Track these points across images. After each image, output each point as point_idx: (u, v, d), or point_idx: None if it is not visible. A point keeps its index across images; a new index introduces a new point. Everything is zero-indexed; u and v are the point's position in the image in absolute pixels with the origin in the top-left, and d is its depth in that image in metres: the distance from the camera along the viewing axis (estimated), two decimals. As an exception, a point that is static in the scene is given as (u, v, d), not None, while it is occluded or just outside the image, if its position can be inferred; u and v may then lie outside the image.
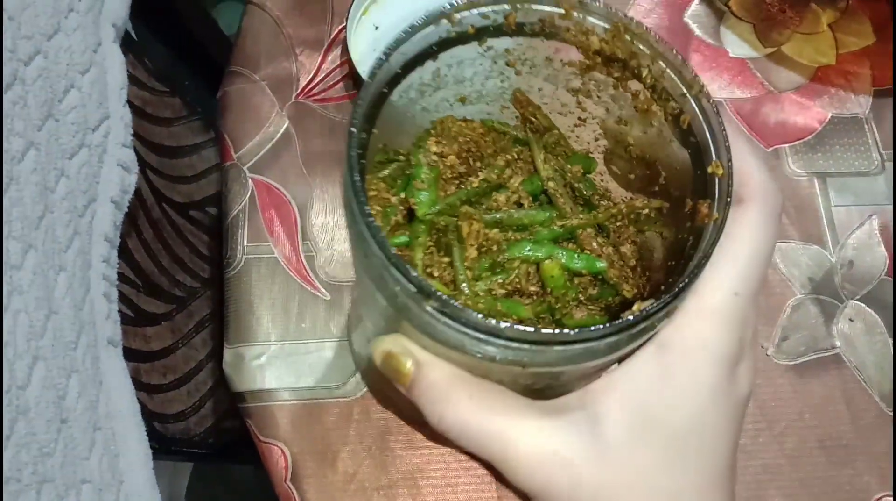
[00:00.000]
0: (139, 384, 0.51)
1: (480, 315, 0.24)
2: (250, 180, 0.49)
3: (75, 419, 0.39)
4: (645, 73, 0.29)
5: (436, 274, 0.32)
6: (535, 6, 0.30)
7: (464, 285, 0.31)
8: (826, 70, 0.53)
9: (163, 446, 0.53)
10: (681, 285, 0.25)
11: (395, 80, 0.30)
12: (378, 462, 0.43)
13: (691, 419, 0.27)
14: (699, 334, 0.26)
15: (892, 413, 0.45)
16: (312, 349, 0.45)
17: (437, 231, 0.32)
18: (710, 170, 0.27)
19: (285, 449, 0.43)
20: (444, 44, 0.31)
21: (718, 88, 0.52)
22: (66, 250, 0.42)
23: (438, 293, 0.24)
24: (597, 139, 0.35)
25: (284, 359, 0.45)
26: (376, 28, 0.51)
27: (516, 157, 0.34)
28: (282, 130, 0.50)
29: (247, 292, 0.46)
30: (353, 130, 0.27)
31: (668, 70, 0.28)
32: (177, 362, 0.56)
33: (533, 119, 0.35)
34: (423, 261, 0.32)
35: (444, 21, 0.30)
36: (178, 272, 0.58)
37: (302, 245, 0.47)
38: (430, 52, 0.31)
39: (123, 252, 0.51)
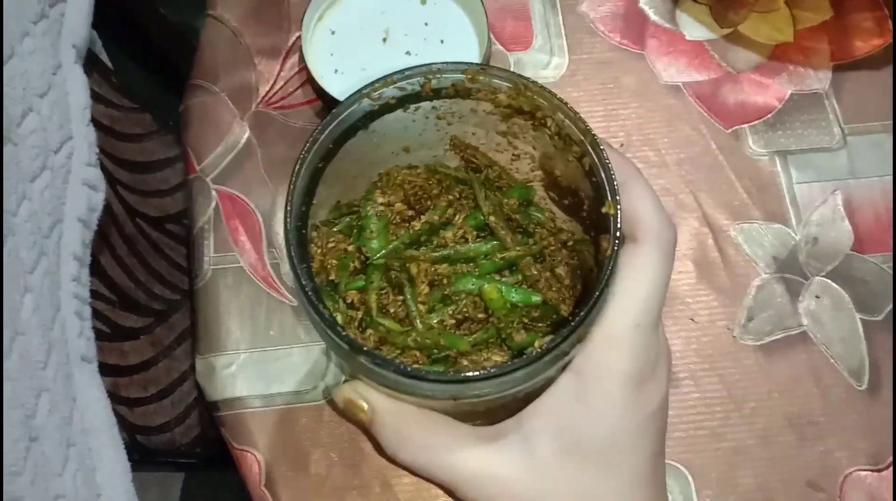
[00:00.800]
0: (118, 399, 0.52)
1: (403, 364, 0.29)
2: (214, 191, 0.49)
3: (46, 437, 0.39)
4: (549, 122, 0.33)
5: (392, 310, 0.36)
6: (445, 75, 0.34)
7: (416, 320, 0.35)
8: (784, 47, 0.53)
9: (146, 458, 0.53)
10: (575, 323, 0.29)
11: (329, 154, 0.34)
12: (350, 464, 0.44)
13: (606, 434, 0.31)
14: (606, 361, 0.31)
15: (861, 389, 0.45)
16: (281, 356, 0.46)
17: (392, 272, 0.36)
18: (603, 210, 0.31)
19: (258, 455, 0.44)
20: (371, 115, 0.35)
21: (676, 71, 0.52)
22: (32, 272, 0.43)
23: (366, 348, 0.29)
24: (533, 170, 0.38)
25: (254, 366, 0.46)
26: (332, 33, 0.52)
27: (458, 196, 0.38)
28: (243, 140, 0.50)
29: (214, 303, 0.47)
30: (289, 207, 0.31)
31: (566, 121, 0.32)
32: (158, 374, 0.56)
33: (473, 159, 0.38)
34: (378, 301, 0.36)
35: (366, 100, 0.34)
36: (155, 286, 0.59)
37: (267, 253, 0.48)
38: (358, 126, 0.34)
39: (96, 269, 0.52)
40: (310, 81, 0.51)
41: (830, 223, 0.48)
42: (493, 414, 0.35)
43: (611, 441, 0.31)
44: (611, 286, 0.31)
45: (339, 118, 0.33)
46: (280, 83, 0.52)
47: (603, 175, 0.31)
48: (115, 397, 0.51)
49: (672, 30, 0.53)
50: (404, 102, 0.35)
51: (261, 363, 0.46)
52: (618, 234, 0.30)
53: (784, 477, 0.43)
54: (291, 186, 0.31)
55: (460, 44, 0.51)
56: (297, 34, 0.53)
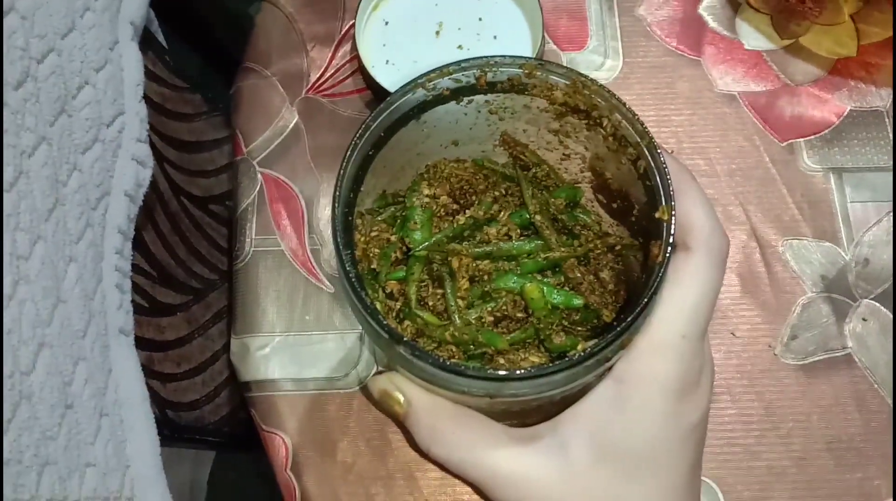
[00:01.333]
0: (152, 373, 0.52)
1: (441, 358, 0.29)
2: (259, 175, 0.50)
3: (81, 405, 0.40)
4: (605, 122, 0.33)
5: (430, 303, 0.36)
6: (501, 69, 0.33)
7: (454, 315, 0.35)
8: (846, 62, 0.51)
9: (175, 434, 0.54)
10: (620, 329, 0.28)
11: (380, 142, 0.34)
12: (377, 454, 0.43)
13: (644, 442, 0.31)
14: (649, 369, 0.30)
15: (905, 416, 0.44)
16: (315, 341, 0.46)
17: (432, 265, 0.36)
18: (656, 215, 0.30)
19: (286, 439, 0.44)
20: (424, 106, 0.34)
21: (732, 80, 0.51)
22: (78, 242, 0.43)
23: (406, 339, 0.29)
24: (582, 171, 0.38)
25: (288, 350, 0.46)
26: (386, 23, 0.52)
27: (505, 192, 0.38)
28: (291, 125, 0.51)
29: (254, 284, 0.47)
30: (338, 192, 0.31)
31: (624, 121, 0.32)
32: (192, 351, 0.57)
33: (522, 156, 0.38)
34: (417, 293, 0.36)
35: (420, 89, 0.33)
36: (195, 264, 0.59)
37: (308, 239, 0.48)
38: (411, 115, 0.34)
39: (139, 244, 0.52)
40: (361, 70, 0.51)
41: (883, 245, 0.47)
42: (525, 416, 0.34)
43: (648, 452, 0.30)
44: (659, 294, 0.30)
45: (393, 107, 0.33)
46: (331, 71, 0.52)
47: (658, 180, 0.30)
48: (148, 371, 0.51)
49: (730, 37, 0.52)
50: (458, 94, 0.34)
51: (295, 347, 0.46)
52: (671, 240, 0.29)
53: (819, 502, 0.42)
54: (341, 172, 0.31)
55: (514, 41, 0.50)
56: (351, 23, 0.53)
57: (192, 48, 0.70)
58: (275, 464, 0.44)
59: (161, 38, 0.65)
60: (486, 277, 0.36)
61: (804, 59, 0.52)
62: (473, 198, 0.38)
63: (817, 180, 0.49)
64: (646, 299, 0.29)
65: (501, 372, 0.29)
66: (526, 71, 0.33)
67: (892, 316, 0.46)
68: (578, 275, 0.36)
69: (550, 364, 0.28)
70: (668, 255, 0.29)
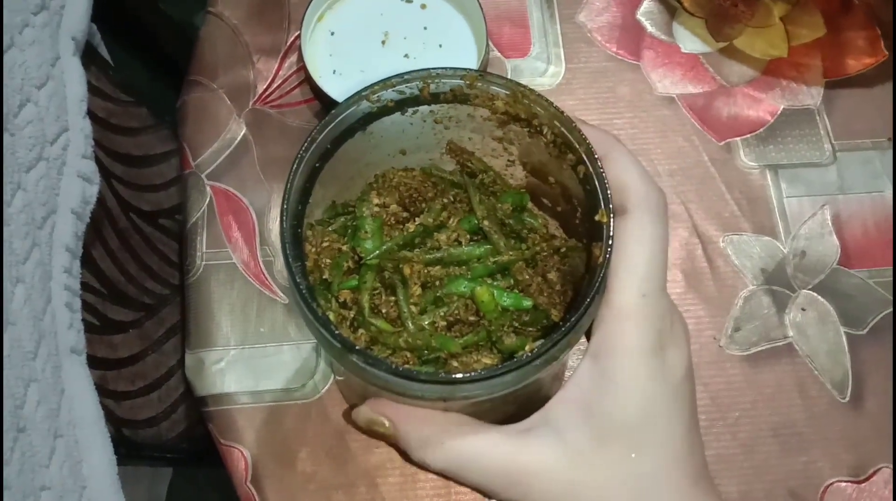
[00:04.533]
0: (106, 392, 0.52)
1: (394, 363, 0.29)
2: (208, 187, 0.49)
3: (34, 428, 0.39)
4: (545, 130, 0.34)
5: (384, 311, 0.36)
6: (443, 80, 0.34)
7: (407, 321, 0.35)
8: (778, 63, 0.53)
9: (133, 451, 0.53)
10: (565, 329, 0.29)
11: (327, 154, 0.34)
12: (337, 462, 0.44)
13: (636, 411, 0.30)
14: (620, 337, 0.30)
15: (843, 401, 0.46)
16: (271, 353, 0.46)
17: (384, 273, 0.36)
18: (596, 218, 0.31)
19: (245, 452, 0.44)
20: (369, 117, 0.35)
21: (671, 83, 0.53)
22: (25, 262, 0.43)
23: (358, 348, 0.29)
24: (527, 177, 0.39)
25: (244, 363, 0.46)
26: (332, 34, 0.52)
27: (453, 199, 0.39)
28: (239, 137, 0.51)
29: (206, 298, 0.47)
30: (286, 205, 0.31)
31: (563, 129, 0.33)
32: (146, 368, 0.56)
33: (469, 164, 0.39)
34: (370, 302, 0.36)
35: (364, 102, 0.34)
36: (146, 280, 0.59)
37: (260, 250, 0.48)
38: (356, 127, 0.35)
39: (88, 262, 0.52)
40: (308, 80, 0.51)
41: (818, 238, 0.49)
42: (482, 417, 0.35)
43: (642, 418, 0.30)
44: (600, 295, 0.31)
45: (338, 119, 0.33)
46: (278, 82, 0.52)
47: (597, 184, 0.31)
48: (102, 390, 0.51)
49: (668, 42, 0.54)
50: (403, 105, 0.35)
51: (250, 359, 0.46)
52: (610, 242, 0.30)
53: (766, 487, 0.44)
54: (289, 185, 0.32)
55: (459, 49, 0.51)
56: (297, 34, 0.53)
57: (137, 61, 0.69)
58: (234, 478, 0.44)
59: (104, 52, 0.65)
60: (437, 282, 0.37)
61: (738, 60, 0.53)
62: (423, 205, 0.38)
63: (754, 177, 0.50)
64: (588, 300, 0.30)
65: (453, 376, 0.29)
66: (467, 82, 0.34)
67: (828, 306, 0.48)
68: (527, 277, 0.36)
69: (500, 365, 0.29)
70: (608, 256, 0.30)
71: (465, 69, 0.34)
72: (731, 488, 0.44)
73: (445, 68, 0.34)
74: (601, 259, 0.30)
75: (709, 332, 0.47)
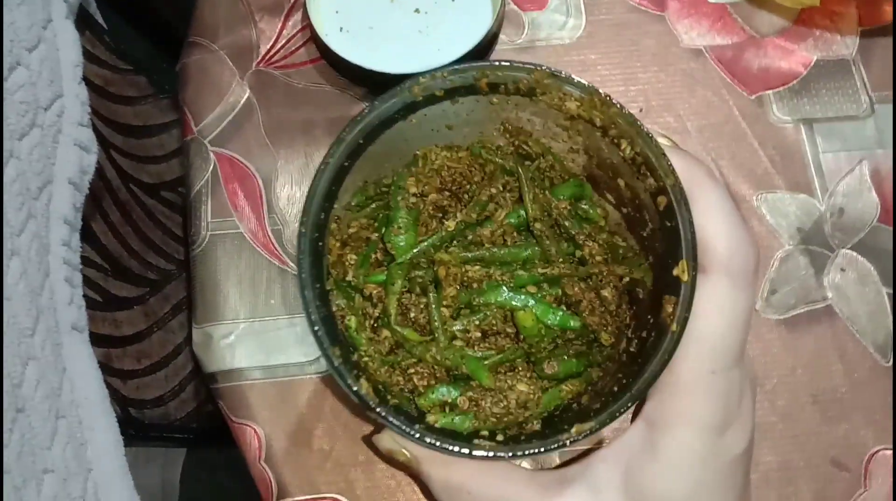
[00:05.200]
0: (110, 370, 0.50)
1: (419, 430, 0.27)
2: (212, 154, 0.47)
3: (33, 408, 0.37)
4: (624, 145, 0.29)
5: (412, 315, 0.32)
6: (507, 72, 0.29)
7: (438, 331, 0.31)
8: (810, 12, 0.50)
9: (141, 432, 0.51)
10: (617, 406, 0.26)
11: (357, 151, 0.30)
12: (355, 439, 0.42)
13: (682, 490, 0.28)
14: (679, 410, 0.27)
15: (887, 365, 0.43)
16: (283, 326, 0.44)
17: (416, 272, 0.32)
18: (674, 272, 0.26)
19: (258, 429, 0.42)
20: (412, 107, 0.30)
21: (698, 35, 0.50)
22: (20, 234, 0.40)
23: (378, 409, 0.27)
24: (592, 167, 0.33)
25: (254, 337, 0.43)
26: (337, -10, 0.49)
27: (502, 187, 0.33)
28: (243, 101, 0.48)
29: (212, 270, 0.45)
30: (303, 229, 0.28)
31: (647, 151, 0.28)
32: (152, 346, 0.54)
33: (525, 146, 0.34)
34: (397, 307, 0.32)
35: (407, 93, 0.30)
36: (149, 255, 0.57)
37: (268, 219, 0.46)
38: (394, 118, 0.30)
39: (88, 235, 0.49)
40: (314, 39, 0.48)
41: (857, 194, 0.46)
42: None
43: (686, 497, 0.28)
44: (667, 362, 0.27)
45: (372, 114, 0.29)
46: (282, 41, 0.49)
47: (681, 230, 0.27)
48: (107, 368, 0.48)
49: (693, -9, 0.51)
50: (453, 94, 0.30)
51: (261, 333, 0.43)
52: (688, 307, 0.26)
53: (807, 456, 0.42)
54: (311, 194, 0.28)
55: (473, 2, 0.48)
56: (301, -9, 0.50)
57: (134, 28, 0.67)
58: (248, 457, 0.42)
59: (100, 18, 0.62)
60: (475, 284, 0.32)
61: (768, 10, 0.50)
62: (468, 188, 0.34)
63: (788, 132, 0.48)
64: (651, 372, 0.26)
65: (481, 452, 0.27)
66: (535, 78, 0.29)
67: (869, 266, 0.45)
68: (577, 291, 0.32)
69: (540, 444, 0.26)
70: (682, 325, 0.26)
71: (533, 65, 0.29)
72: (769, 458, 0.42)
73: (511, 62, 0.29)
74: (673, 327, 0.26)
75: (744, 295, 0.44)
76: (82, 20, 0.54)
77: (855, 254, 0.45)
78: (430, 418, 0.30)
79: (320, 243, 0.29)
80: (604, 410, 0.27)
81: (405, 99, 0.30)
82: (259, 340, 0.43)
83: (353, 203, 0.33)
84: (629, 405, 0.26)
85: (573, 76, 0.29)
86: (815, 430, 0.42)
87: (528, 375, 0.32)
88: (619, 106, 0.29)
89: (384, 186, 0.34)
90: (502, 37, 0.49)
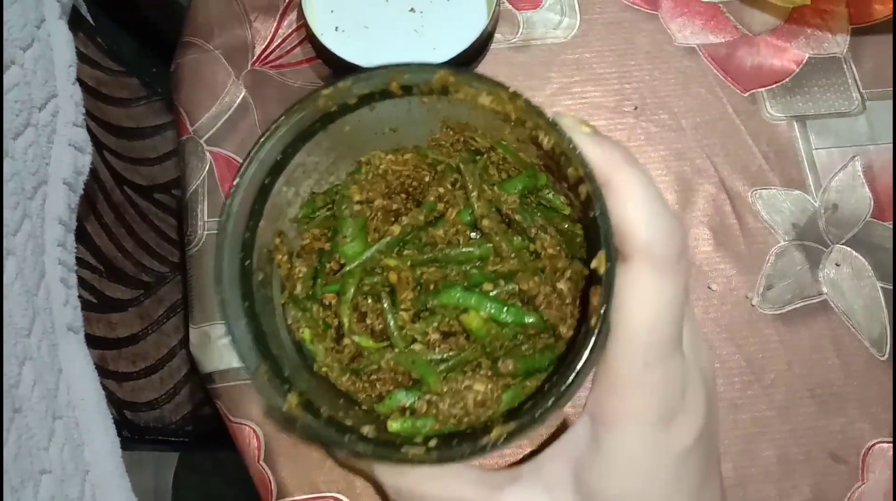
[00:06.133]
0: (106, 372, 0.49)
1: (355, 446, 0.26)
2: (208, 153, 0.47)
3: (30, 408, 0.37)
4: (541, 136, 0.28)
5: (369, 321, 0.31)
6: (413, 75, 0.28)
7: (394, 335, 0.31)
8: (801, 10, 0.51)
9: (136, 435, 0.51)
10: (532, 418, 0.25)
11: (277, 166, 0.29)
12: (354, 437, 0.41)
13: (630, 488, 0.27)
14: (617, 406, 0.26)
15: (883, 359, 0.44)
16: (281, 325, 0.43)
17: (371, 278, 0.32)
18: (592, 265, 0.26)
19: (257, 429, 0.41)
20: (329, 117, 0.29)
21: (691, 33, 0.50)
22: (15, 234, 0.40)
23: (299, 422, 0.26)
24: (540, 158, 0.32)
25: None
26: (332, -11, 0.49)
27: (453, 185, 0.33)
28: (238, 100, 0.48)
29: (210, 270, 0.44)
30: (220, 253, 0.27)
31: (561, 142, 0.27)
32: (147, 348, 0.54)
33: (473, 140, 0.33)
34: (351, 316, 0.31)
35: (318, 103, 0.28)
36: (143, 257, 0.56)
37: (265, 218, 0.45)
38: (315, 128, 0.29)
39: (83, 237, 0.49)
40: (309, 38, 0.48)
41: (850, 190, 0.47)
42: None
43: (637, 495, 0.27)
44: (595, 353, 0.26)
45: (283, 128, 0.28)
46: (277, 41, 0.49)
47: (599, 220, 0.26)
48: (102, 370, 0.48)
49: (686, -10, 0.51)
50: (368, 100, 0.29)
51: (259, 332, 0.43)
52: (608, 298, 0.25)
53: (806, 449, 0.42)
54: (223, 221, 0.27)
55: (468, 1, 0.48)
56: (295, -10, 0.50)
57: (125, 30, 0.66)
58: (246, 456, 0.41)
59: (91, 19, 0.61)
60: (431, 286, 0.32)
61: (760, 8, 0.51)
62: (417, 191, 0.33)
63: (781, 129, 0.48)
64: (573, 374, 0.25)
65: (406, 454, 0.26)
66: (440, 78, 0.28)
67: (863, 260, 0.45)
68: (533, 286, 0.31)
69: (468, 447, 0.26)
70: (605, 322, 0.25)
71: (435, 65, 0.28)
72: (768, 452, 0.42)
73: (411, 64, 0.28)
74: (594, 321, 0.25)
75: (741, 291, 0.45)
76: (75, 21, 0.54)
77: (849, 249, 0.46)
78: (392, 424, 0.29)
79: (246, 262, 0.28)
80: (528, 412, 0.26)
81: (314, 113, 0.29)
82: (257, 339, 0.43)
83: (300, 216, 0.33)
84: (553, 408, 0.25)
85: (476, 74, 0.28)
86: (812, 424, 0.42)
87: (489, 374, 0.31)
88: (525, 100, 0.28)
89: (333, 196, 0.33)
90: (497, 35, 0.49)
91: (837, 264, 0.45)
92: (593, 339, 0.25)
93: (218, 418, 0.43)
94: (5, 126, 0.40)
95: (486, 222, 0.32)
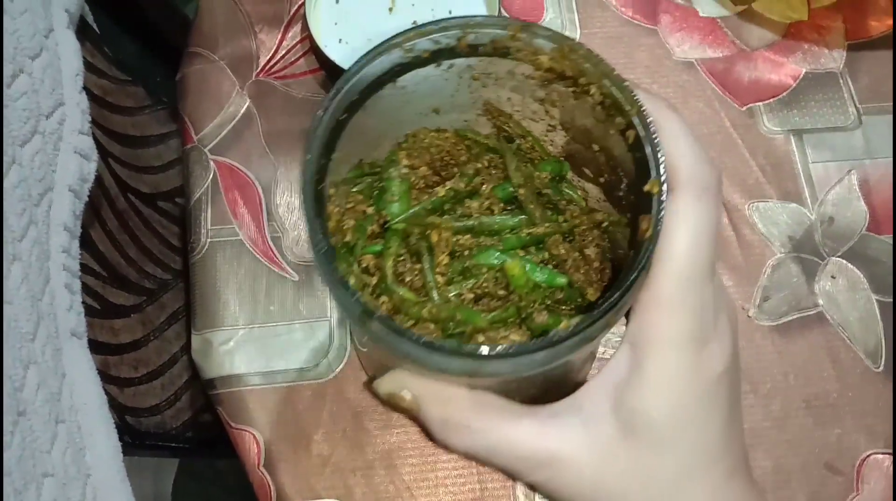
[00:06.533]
0: (108, 378, 0.50)
1: (416, 334, 0.27)
2: (212, 162, 0.47)
3: (34, 412, 0.37)
4: (593, 89, 0.31)
5: (408, 279, 0.33)
6: (484, 30, 0.31)
7: (432, 291, 0.33)
8: (798, 26, 0.52)
9: (137, 440, 0.51)
10: (605, 306, 0.27)
11: (354, 105, 0.31)
12: (353, 444, 0.42)
13: (666, 408, 0.28)
14: (657, 326, 0.28)
15: (878, 370, 0.44)
16: (282, 332, 0.44)
17: (410, 239, 0.34)
18: (645, 188, 0.28)
19: (257, 435, 0.42)
20: (401, 69, 0.32)
21: (689, 48, 0.51)
22: (21, 240, 0.41)
23: (379, 314, 0.27)
24: (568, 144, 0.36)
25: (253, 343, 0.44)
26: (337, 1, 0.50)
27: (488, 164, 0.36)
28: (243, 110, 0.49)
29: (212, 277, 0.45)
30: (309, 156, 0.29)
31: (613, 89, 0.30)
32: (149, 354, 0.54)
33: (506, 127, 0.36)
34: (394, 268, 0.33)
35: (396, 50, 0.31)
36: (146, 264, 0.57)
37: (267, 226, 0.46)
38: (385, 79, 0.32)
39: (87, 243, 0.50)
40: (313, 50, 0.49)
41: (846, 203, 0.47)
42: (511, 398, 0.33)
43: (671, 415, 0.28)
44: (646, 269, 0.28)
45: (366, 68, 0.31)
46: (282, 52, 0.50)
47: (648, 150, 0.28)
48: (104, 376, 0.49)
49: (685, 5, 0.52)
50: (438, 56, 0.32)
51: (261, 339, 0.44)
52: (661, 215, 0.27)
53: (801, 460, 0.42)
54: (312, 135, 0.29)
55: (469, 15, 0.49)
56: (300, 2, 0.51)
57: (131, 39, 0.67)
58: (247, 462, 0.42)
59: (97, 29, 0.62)
60: (466, 252, 0.34)
61: (758, 24, 0.52)
62: (455, 170, 0.36)
63: (778, 143, 0.49)
64: (632, 278, 0.27)
65: (479, 351, 0.27)
66: (510, 32, 0.31)
67: (858, 273, 0.46)
68: (563, 252, 0.34)
69: (531, 342, 0.27)
70: (657, 230, 0.27)
71: (508, 19, 0.31)
72: (765, 462, 0.42)
73: (487, 17, 0.31)
74: (649, 233, 0.27)
75: (737, 302, 0.45)
76: (81, 31, 0.54)
77: (845, 262, 0.46)
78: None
79: (321, 185, 0.30)
80: (591, 318, 0.27)
81: (392, 57, 0.31)
82: (258, 346, 0.44)
83: (350, 177, 0.35)
84: (616, 305, 0.27)
85: (543, 27, 0.31)
86: (808, 435, 0.43)
87: (521, 330, 0.33)
88: (584, 49, 0.30)
89: (377, 165, 0.36)
90: (499, 49, 0.50)
91: (833, 277, 0.46)
92: (650, 246, 0.27)
93: (218, 425, 0.44)
94: (14, 134, 0.41)
95: (522, 191, 0.34)
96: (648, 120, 0.29)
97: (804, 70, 0.51)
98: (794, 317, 0.45)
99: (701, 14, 0.52)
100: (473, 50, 0.32)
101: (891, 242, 0.47)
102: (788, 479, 0.42)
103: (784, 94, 0.50)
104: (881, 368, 0.44)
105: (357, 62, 0.31)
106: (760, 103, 0.50)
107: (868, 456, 0.42)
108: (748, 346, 0.44)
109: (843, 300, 0.45)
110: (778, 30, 0.52)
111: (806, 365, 0.44)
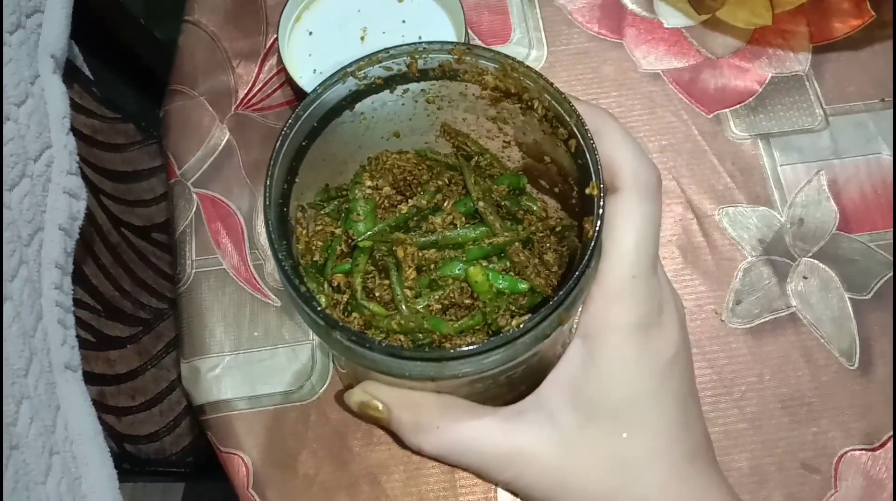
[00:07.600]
0: (105, 407, 0.51)
1: (377, 340, 0.29)
2: (195, 195, 0.49)
3: (27, 445, 0.39)
4: (536, 104, 0.33)
5: (377, 294, 0.35)
6: (431, 55, 0.33)
7: (401, 304, 0.34)
8: (763, 31, 0.53)
9: (137, 467, 0.53)
10: (554, 303, 0.28)
11: (314, 132, 0.33)
12: (339, 463, 0.43)
13: (623, 392, 0.30)
14: (607, 318, 0.30)
15: (852, 368, 0.45)
16: (266, 357, 0.45)
17: (378, 256, 0.36)
18: (587, 191, 0.30)
19: (245, 458, 0.43)
20: (356, 96, 0.34)
21: (655, 59, 0.52)
22: (12, 280, 0.42)
23: (341, 324, 0.29)
24: (524, 159, 0.38)
25: (239, 368, 0.45)
26: (310, 33, 0.52)
27: (448, 182, 0.38)
28: (223, 143, 0.50)
29: (198, 306, 0.47)
30: (268, 181, 0.31)
31: (553, 102, 0.32)
32: (146, 383, 0.56)
33: (465, 146, 0.38)
34: (363, 285, 0.35)
35: (350, 78, 0.33)
36: (141, 295, 0.59)
37: (250, 254, 0.48)
38: (343, 105, 0.34)
39: (80, 278, 0.51)
40: (289, 82, 0.51)
41: (816, 204, 0.48)
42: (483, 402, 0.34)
43: (627, 400, 0.30)
44: (591, 267, 0.30)
45: (323, 96, 0.33)
46: (259, 85, 0.52)
47: (587, 157, 0.30)
48: (101, 406, 0.50)
49: (650, 18, 0.53)
50: (391, 82, 0.34)
51: (246, 364, 0.45)
52: (601, 214, 0.29)
53: (778, 460, 0.43)
54: (272, 161, 0.31)
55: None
56: (275, 36, 0.53)
57: (120, 79, 0.69)
58: (236, 485, 0.43)
59: (86, 70, 0.65)
60: (432, 266, 0.36)
61: (722, 32, 0.53)
62: (417, 189, 0.38)
63: (746, 148, 0.50)
64: (578, 275, 0.29)
65: (439, 353, 0.28)
66: (455, 56, 0.33)
67: (830, 272, 0.47)
68: (523, 259, 0.36)
69: (487, 341, 0.28)
70: (597, 229, 0.29)
71: (452, 42, 0.33)
72: (741, 463, 0.43)
73: (432, 42, 0.33)
74: (591, 233, 0.29)
75: (710, 307, 0.46)
76: (70, 73, 0.56)
77: (816, 262, 0.47)
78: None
79: (284, 209, 0.32)
80: (542, 315, 0.29)
81: (348, 85, 0.33)
82: (244, 371, 0.45)
83: (317, 201, 0.37)
84: (564, 301, 0.28)
85: (485, 48, 0.33)
86: (784, 434, 0.43)
87: (488, 336, 0.35)
88: (524, 66, 0.32)
89: (343, 189, 0.38)
90: (468, 70, 0.51)
91: (805, 277, 0.46)
92: (592, 244, 0.29)
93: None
94: (2, 180, 0.43)
95: (481, 204, 0.36)
96: (586, 128, 0.31)
97: (770, 75, 0.51)
98: (768, 319, 0.46)
99: (665, 26, 0.53)
100: (424, 74, 0.34)
101: (862, 240, 0.47)
102: (765, 479, 0.42)
103: (750, 99, 0.51)
104: (855, 365, 0.45)
105: (314, 91, 0.33)
106: (727, 110, 0.51)
107: (845, 453, 0.43)
108: (721, 349, 0.45)
109: (816, 300, 0.46)
110: (743, 36, 0.53)
111: (780, 366, 0.45)
